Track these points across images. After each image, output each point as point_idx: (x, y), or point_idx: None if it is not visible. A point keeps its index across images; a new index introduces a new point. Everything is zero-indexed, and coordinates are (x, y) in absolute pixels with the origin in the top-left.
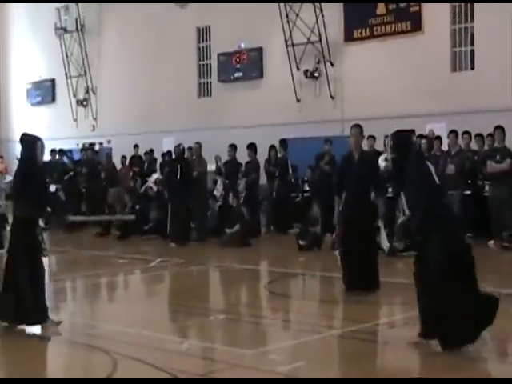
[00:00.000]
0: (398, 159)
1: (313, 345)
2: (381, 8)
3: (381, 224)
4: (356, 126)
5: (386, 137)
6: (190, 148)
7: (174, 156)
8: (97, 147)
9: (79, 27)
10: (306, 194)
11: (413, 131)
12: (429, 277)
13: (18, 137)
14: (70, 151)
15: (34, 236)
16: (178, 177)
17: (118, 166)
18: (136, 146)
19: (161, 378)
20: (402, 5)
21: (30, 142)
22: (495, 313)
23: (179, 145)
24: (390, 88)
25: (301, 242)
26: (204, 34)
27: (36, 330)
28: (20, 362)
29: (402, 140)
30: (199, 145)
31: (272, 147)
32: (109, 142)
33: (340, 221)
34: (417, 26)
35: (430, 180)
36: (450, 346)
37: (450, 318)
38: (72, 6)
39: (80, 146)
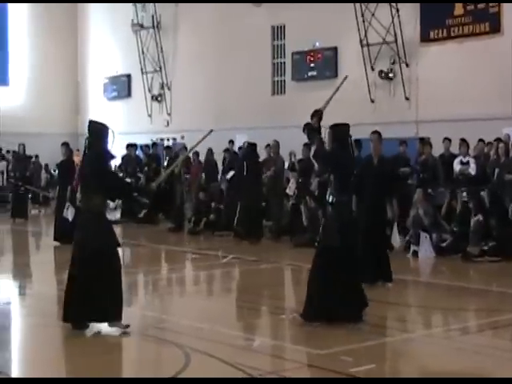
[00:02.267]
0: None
1: (384, 348)
2: (458, 8)
3: (394, 222)
4: (374, 132)
5: (463, 140)
6: (268, 145)
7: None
8: (170, 143)
9: (155, 24)
10: None
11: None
12: None
13: None
14: (147, 146)
15: (110, 229)
16: (245, 174)
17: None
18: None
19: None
20: (481, 5)
21: (101, 130)
22: None
23: (244, 143)
24: (466, 90)
25: None
26: (279, 32)
27: (104, 327)
28: (93, 354)
29: (342, 132)
30: (277, 142)
31: None
32: (182, 137)
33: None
34: (496, 27)
35: None
36: None
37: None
38: (149, 3)
39: (154, 141)
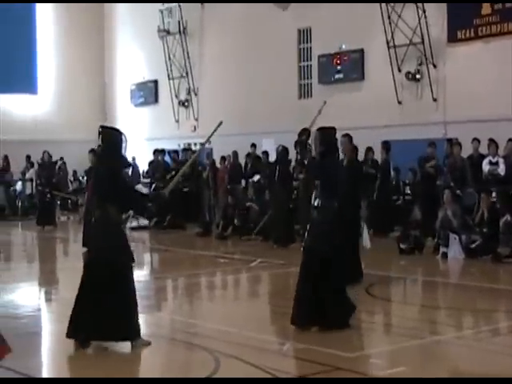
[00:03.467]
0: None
1: (414, 350)
2: (486, 8)
3: (363, 224)
4: (345, 135)
5: (492, 141)
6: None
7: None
8: (197, 148)
9: (181, 29)
10: (406, 197)
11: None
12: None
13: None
14: (176, 151)
15: (125, 243)
16: (276, 178)
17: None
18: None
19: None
20: (508, 5)
21: (114, 136)
22: None
23: (279, 146)
24: (494, 90)
25: (401, 246)
26: (305, 35)
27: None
28: (123, 359)
29: (329, 136)
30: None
31: (369, 149)
32: (209, 142)
33: None
34: None
35: None
36: None
37: None
38: (175, 8)
39: (182, 147)
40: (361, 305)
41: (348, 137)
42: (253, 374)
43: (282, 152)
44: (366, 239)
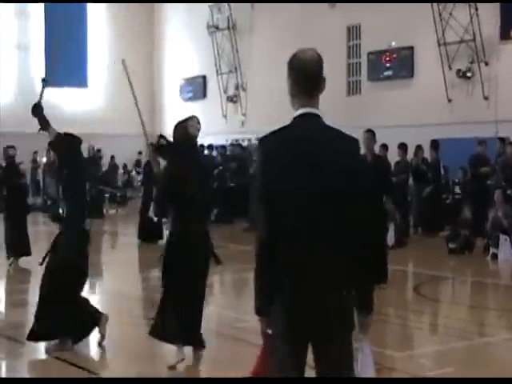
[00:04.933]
0: None
1: (462, 351)
2: None
3: (390, 223)
4: (367, 131)
5: None
6: None
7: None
8: (245, 143)
9: (231, 25)
10: (456, 196)
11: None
12: None
13: (170, 131)
14: (223, 147)
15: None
16: None
17: None
18: None
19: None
20: None
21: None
22: None
23: None
24: None
25: (451, 245)
26: (354, 32)
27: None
28: (171, 353)
29: None
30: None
31: (418, 147)
32: (257, 138)
33: None
34: None
35: None
36: None
37: None
38: (224, 4)
39: (229, 142)
40: (409, 304)
41: (371, 132)
42: None
43: None
44: (390, 236)
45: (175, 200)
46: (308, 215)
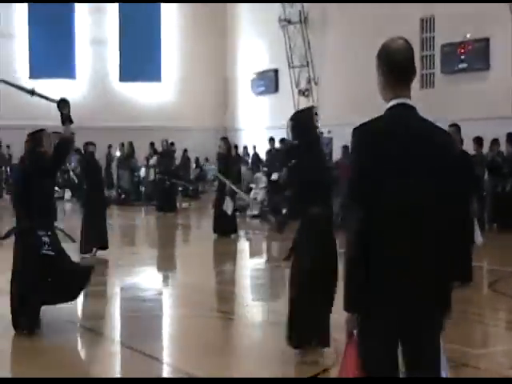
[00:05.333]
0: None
1: None
2: None
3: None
4: (452, 125)
5: None
6: None
7: None
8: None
9: (302, 19)
10: None
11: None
12: None
13: (242, 126)
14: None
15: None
16: None
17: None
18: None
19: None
20: None
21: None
22: None
23: None
24: None
25: None
26: (428, 24)
27: None
28: (241, 346)
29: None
30: None
31: (494, 141)
32: (329, 132)
33: None
34: None
35: None
36: None
37: None
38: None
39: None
40: (485, 301)
41: (456, 127)
42: None
43: None
44: (477, 235)
45: (310, 201)
46: (409, 211)
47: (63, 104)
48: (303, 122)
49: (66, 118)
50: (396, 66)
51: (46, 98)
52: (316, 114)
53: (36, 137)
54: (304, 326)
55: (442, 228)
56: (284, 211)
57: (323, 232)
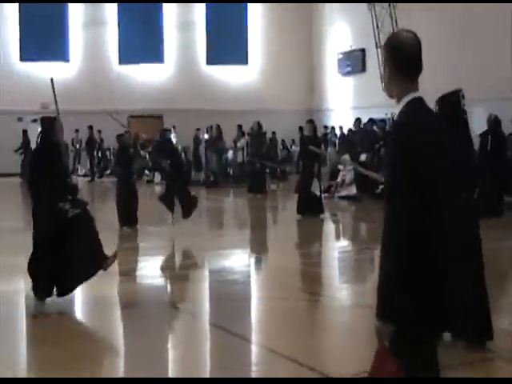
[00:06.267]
0: None
1: None
2: None
3: None
4: None
5: None
6: None
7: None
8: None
9: None
10: None
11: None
12: None
13: (330, 106)
14: (383, 120)
15: None
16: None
17: None
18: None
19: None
20: None
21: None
22: None
23: (491, 115)
24: None
25: None
26: None
27: None
28: (324, 328)
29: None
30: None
31: None
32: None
33: None
34: None
35: None
36: None
37: None
38: None
39: (389, 116)
40: None
41: None
42: None
43: (495, 121)
44: None
45: None
46: (454, 209)
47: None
48: (450, 108)
49: None
50: (414, 59)
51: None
52: (463, 96)
53: (50, 125)
54: None
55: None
56: None
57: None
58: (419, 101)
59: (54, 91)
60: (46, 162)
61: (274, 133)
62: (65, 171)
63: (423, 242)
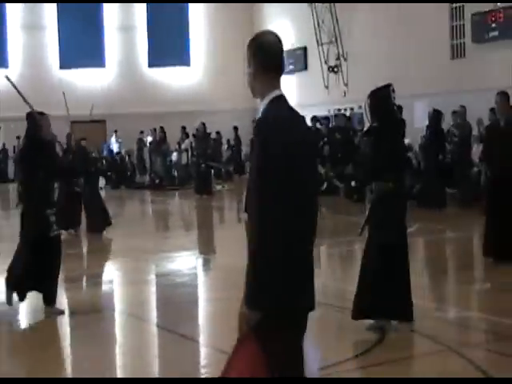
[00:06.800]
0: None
1: None
2: None
3: None
4: (500, 93)
5: None
6: (454, 112)
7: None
8: (347, 113)
9: None
10: None
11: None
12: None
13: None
14: (326, 118)
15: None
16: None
17: None
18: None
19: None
20: None
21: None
22: None
23: (431, 109)
24: None
25: None
26: None
27: None
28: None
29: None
30: (464, 109)
31: None
32: (360, 107)
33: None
34: None
35: None
36: None
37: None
38: None
39: (332, 113)
40: None
41: (503, 94)
42: (425, 344)
43: (435, 115)
44: None
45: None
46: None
47: None
48: (380, 102)
49: None
50: (277, 57)
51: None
52: (393, 90)
53: (37, 121)
54: (380, 299)
55: None
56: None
57: (399, 206)
58: (281, 98)
59: (15, 87)
60: (36, 161)
61: (218, 133)
62: (56, 170)
63: (285, 235)
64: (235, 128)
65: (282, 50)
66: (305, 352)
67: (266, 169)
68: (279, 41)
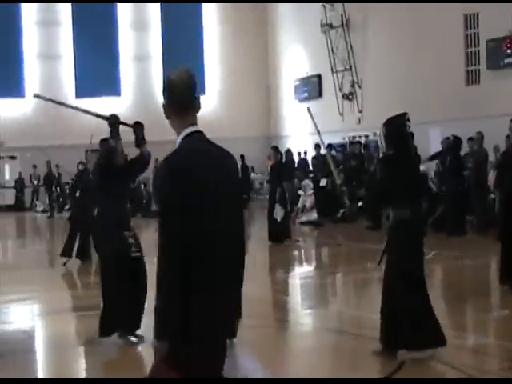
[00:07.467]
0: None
1: None
2: None
3: None
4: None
5: None
6: (470, 138)
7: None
8: (362, 140)
9: (344, 22)
10: None
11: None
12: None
13: (287, 133)
14: (342, 145)
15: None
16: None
17: None
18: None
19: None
20: None
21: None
22: None
23: (449, 136)
24: None
25: None
26: (472, 20)
27: None
28: (299, 353)
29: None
30: (481, 135)
31: None
32: (375, 134)
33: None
34: None
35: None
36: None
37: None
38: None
39: (346, 140)
40: None
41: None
42: (441, 371)
43: (455, 141)
44: None
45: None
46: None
47: (139, 127)
48: (396, 130)
49: (141, 139)
50: (186, 98)
51: (97, 115)
52: (408, 119)
53: (112, 150)
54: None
55: None
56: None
57: (416, 233)
58: (195, 134)
59: (60, 103)
60: (114, 185)
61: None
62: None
63: (193, 269)
64: (242, 156)
65: (192, 87)
66: (243, 366)
67: (165, 211)
68: (187, 79)
